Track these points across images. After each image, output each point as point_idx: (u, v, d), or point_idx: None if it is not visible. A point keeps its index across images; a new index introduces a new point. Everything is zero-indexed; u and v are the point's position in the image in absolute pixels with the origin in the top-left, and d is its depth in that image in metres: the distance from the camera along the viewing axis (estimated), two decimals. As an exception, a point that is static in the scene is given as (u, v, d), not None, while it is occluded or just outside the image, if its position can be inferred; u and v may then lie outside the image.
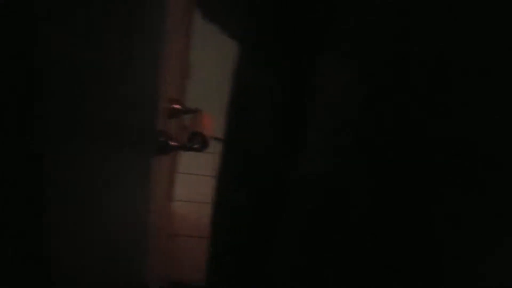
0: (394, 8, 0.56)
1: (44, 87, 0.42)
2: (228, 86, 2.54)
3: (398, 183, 0.62)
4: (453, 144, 0.58)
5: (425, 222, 0.62)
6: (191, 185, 2.40)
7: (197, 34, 2.00)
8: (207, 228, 2.21)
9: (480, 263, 0.63)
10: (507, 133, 0.57)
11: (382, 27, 0.57)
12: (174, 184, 2.15)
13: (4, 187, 0.40)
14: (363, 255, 0.65)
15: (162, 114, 0.96)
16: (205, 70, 2.64)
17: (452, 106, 0.57)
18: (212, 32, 2.08)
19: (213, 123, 1.21)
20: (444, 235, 0.62)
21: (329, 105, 0.63)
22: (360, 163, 0.62)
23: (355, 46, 0.60)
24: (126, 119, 0.65)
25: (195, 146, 1.06)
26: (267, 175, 0.68)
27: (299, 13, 0.62)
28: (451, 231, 0.62)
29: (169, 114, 1.09)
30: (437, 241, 0.63)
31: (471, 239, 0.62)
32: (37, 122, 0.40)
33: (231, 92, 0.68)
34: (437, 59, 0.56)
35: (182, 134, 1.77)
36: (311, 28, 0.62)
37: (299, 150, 0.66)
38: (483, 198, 0.59)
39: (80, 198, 0.53)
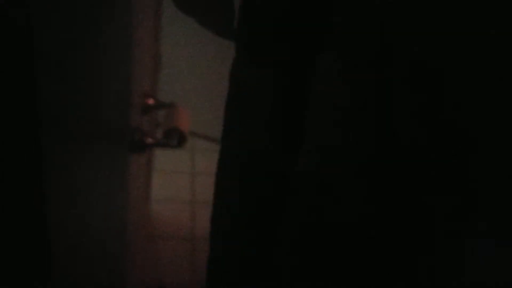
0: (395, 9, 0.58)
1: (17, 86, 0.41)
2: (201, 78, 2.53)
3: (398, 182, 0.63)
4: (451, 143, 0.60)
5: (425, 221, 0.64)
6: (169, 183, 2.40)
7: (166, 24, 1.98)
8: (188, 228, 2.20)
9: (482, 263, 0.64)
10: (504, 135, 0.58)
11: (382, 28, 0.59)
12: (151, 183, 2.14)
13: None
14: (365, 254, 0.67)
15: (136, 109, 0.96)
16: (176, 62, 2.62)
17: (453, 105, 0.59)
18: (182, 22, 2.06)
19: (189, 118, 1.20)
20: (444, 234, 0.63)
21: (328, 104, 0.64)
22: (361, 162, 0.63)
23: (353, 47, 0.61)
24: (98, 116, 0.64)
25: (172, 142, 1.06)
26: (269, 174, 0.69)
27: (300, 12, 0.63)
28: (451, 230, 0.63)
29: (143, 110, 1.08)
30: (437, 240, 0.64)
31: (471, 238, 0.63)
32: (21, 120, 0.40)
33: (230, 91, 0.69)
34: (437, 59, 0.58)
35: (157, 130, 1.76)
36: (311, 28, 0.63)
37: (300, 148, 0.67)
38: (483, 198, 0.61)
39: (51, 198, 0.53)
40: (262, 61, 0.66)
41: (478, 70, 0.58)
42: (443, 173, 0.62)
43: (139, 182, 1.28)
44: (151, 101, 1.10)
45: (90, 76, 0.58)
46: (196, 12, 1.68)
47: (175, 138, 1.07)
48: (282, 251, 0.72)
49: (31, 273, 0.48)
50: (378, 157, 0.62)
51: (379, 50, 0.59)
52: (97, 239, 0.78)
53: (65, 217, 0.56)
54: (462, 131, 0.60)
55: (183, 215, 2.26)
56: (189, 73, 2.72)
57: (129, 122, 0.87)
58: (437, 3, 0.57)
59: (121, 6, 0.70)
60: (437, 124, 0.60)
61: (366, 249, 0.66)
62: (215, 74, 2.70)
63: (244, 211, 0.71)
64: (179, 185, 2.41)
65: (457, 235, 0.64)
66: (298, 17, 0.63)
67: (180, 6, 1.79)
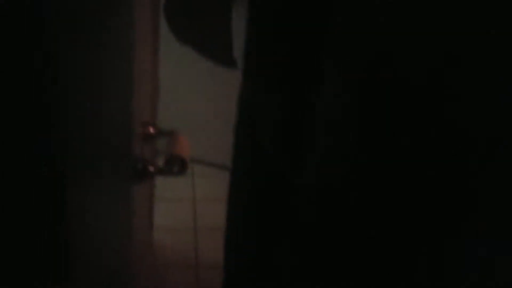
0: (394, 9, 0.59)
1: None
2: (198, 105, 2.53)
3: (399, 182, 0.64)
4: (451, 143, 0.61)
5: (425, 222, 0.65)
6: (170, 211, 2.40)
7: (164, 52, 2.00)
8: (191, 256, 2.20)
9: (482, 263, 0.65)
10: (504, 135, 0.60)
11: (382, 28, 0.60)
12: (153, 211, 2.14)
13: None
14: (365, 254, 0.68)
15: (137, 138, 0.97)
16: (175, 90, 2.64)
17: (453, 105, 0.60)
18: (180, 49, 2.08)
19: (189, 145, 1.21)
20: (444, 234, 0.64)
21: (330, 104, 0.65)
22: (362, 163, 0.64)
23: (354, 47, 0.62)
24: (101, 145, 0.65)
25: (174, 170, 1.06)
26: (278, 187, 0.71)
27: (297, 34, 0.65)
28: (451, 230, 0.64)
29: (144, 138, 1.09)
30: (438, 240, 0.65)
31: (471, 238, 0.64)
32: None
33: (239, 113, 0.72)
34: (437, 60, 0.59)
35: (157, 158, 1.76)
36: (314, 35, 0.65)
37: (305, 161, 0.68)
38: (483, 198, 0.62)
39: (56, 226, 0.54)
40: (267, 84, 0.68)
41: (478, 70, 0.58)
42: (443, 173, 0.62)
43: (142, 210, 1.29)
44: (151, 130, 1.11)
45: (93, 107, 0.59)
46: (194, 42, 1.70)
47: (177, 166, 1.08)
48: (282, 252, 0.73)
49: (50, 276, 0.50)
50: (379, 158, 0.63)
51: (379, 50, 0.60)
52: (103, 269, 0.78)
53: (76, 243, 0.57)
54: (462, 131, 0.60)
55: (186, 242, 2.25)
56: (187, 100, 2.74)
57: (131, 151, 0.87)
58: (437, 3, 0.57)
59: (121, 35, 0.72)
60: (438, 124, 0.61)
61: (366, 250, 0.67)
62: (212, 100, 2.72)
63: (256, 221, 0.73)
64: (180, 213, 2.41)
65: (457, 235, 0.64)
66: (301, 30, 0.65)
67: (177, 36, 1.81)
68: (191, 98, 2.75)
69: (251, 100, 0.71)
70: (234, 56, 1.94)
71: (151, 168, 1.00)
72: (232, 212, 0.76)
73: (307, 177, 0.68)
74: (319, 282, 0.71)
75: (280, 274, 0.74)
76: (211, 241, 2.25)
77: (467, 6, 0.56)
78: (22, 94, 0.45)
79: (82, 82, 0.55)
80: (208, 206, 2.47)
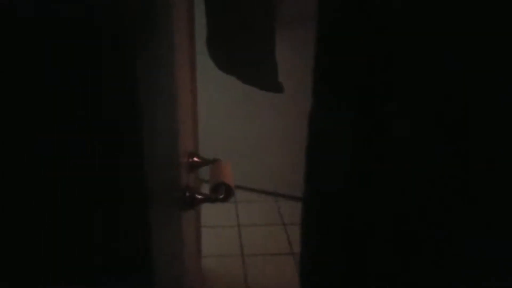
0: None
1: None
2: (238, 132, 2.58)
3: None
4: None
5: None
6: (217, 238, 2.44)
7: (199, 82, 2.07)
8: (241, 282, 2.22)
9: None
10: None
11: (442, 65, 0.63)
12: (201, 239, 2.19)
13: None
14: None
15: (184, 168, 1.03)
16: (212, 118, 2.71)
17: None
18: (214, 78, 2.16)
19: (232, 171, 1.26)
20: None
21: (399, 142, 0.67)
22: (436, 205, 0.66)
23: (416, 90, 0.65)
24: (159, 179, 0.71)
25: (220, 196, 1.11)
26: (346, 215, 0.73)
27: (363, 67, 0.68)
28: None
29: (189, 168, 1.15)
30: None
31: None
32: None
33: (311, 137, 0.75)
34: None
35: (200, 186, 1.83)
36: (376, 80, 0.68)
37: (374, 188, 0.70)
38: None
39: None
40: (338, 108, 0.70)
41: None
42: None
43: (191, 238, 1.34)
44: (196, 159, 1.17)
45: (155, 146, 0.65)
46: (238, 71, 1.73)
47: (222, 192, 1.13)
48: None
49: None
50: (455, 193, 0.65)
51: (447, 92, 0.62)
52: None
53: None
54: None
55: (235, 268, 2.28)
56: (225, 127, 2.80)
57: (180, 181, 0.93)
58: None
59: (166, 73, 0.78)
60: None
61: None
62: (250, 125, 2.77)
63: (330, 242, 0.75)
64: (226, 239, 2.45)
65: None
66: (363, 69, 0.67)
67: (221, 67, 1.86)
68: (228, 125, 2.80)
69: (323, 120, 0.73)
70: (280, 81, 1.97)
71: (198, 196, 1.05)
72: (306, 234, 0.78)
73: (379, 193, 0.70)
74: None
75: None
76: (259, 266, 2.29)
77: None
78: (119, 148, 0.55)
79: (151, 127, 0.63)
80: (252, 232, 2.51)
